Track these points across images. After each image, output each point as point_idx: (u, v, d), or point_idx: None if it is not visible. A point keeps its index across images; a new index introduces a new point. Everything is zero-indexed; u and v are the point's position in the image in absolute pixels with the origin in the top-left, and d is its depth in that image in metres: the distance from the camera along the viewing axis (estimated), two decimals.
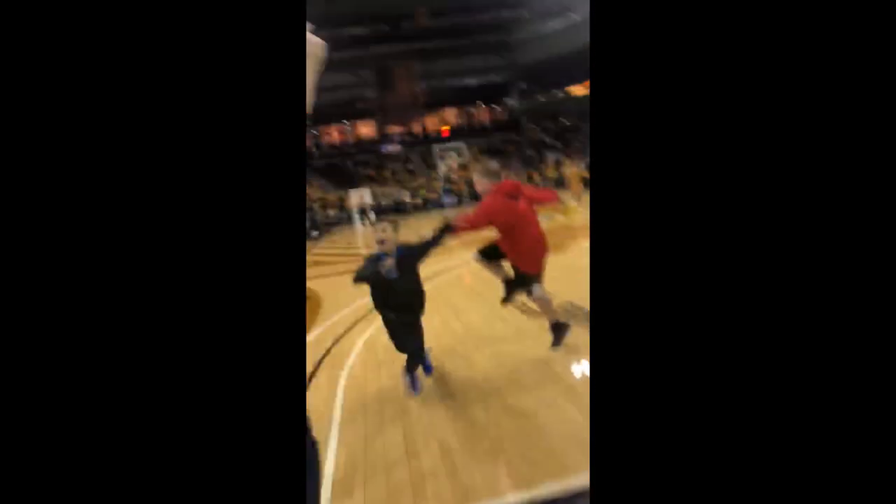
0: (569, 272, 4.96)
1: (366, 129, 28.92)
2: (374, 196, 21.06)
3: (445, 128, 27.59)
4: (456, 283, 5.94)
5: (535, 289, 3.04)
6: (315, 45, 0.99)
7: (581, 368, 2.84)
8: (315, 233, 17.12)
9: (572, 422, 2.27)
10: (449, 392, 2.80)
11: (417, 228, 9.91)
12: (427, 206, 21.89)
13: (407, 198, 22.88)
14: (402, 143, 27.63)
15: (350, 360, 3.67)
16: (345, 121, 28.42)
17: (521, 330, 3.70)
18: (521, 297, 3.39)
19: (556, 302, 3.27)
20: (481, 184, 3.03)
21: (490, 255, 3.19)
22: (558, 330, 3.17)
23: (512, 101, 27.30)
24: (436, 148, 23.13)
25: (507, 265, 3.17)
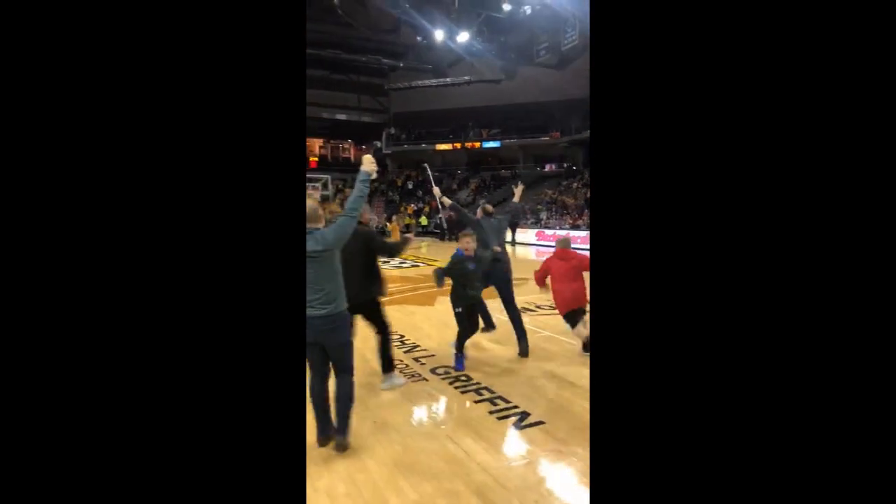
0: (438, 327, 5.53)
1: None
2: None
3: (314, 159, 27.18)
4: None
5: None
6: None
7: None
8: None
9: None
10: None
11: None
12: None
13: None
14: None
15: None
16: None
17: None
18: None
19: None
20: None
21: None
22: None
23: (379, 144, 28.00)
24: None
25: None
